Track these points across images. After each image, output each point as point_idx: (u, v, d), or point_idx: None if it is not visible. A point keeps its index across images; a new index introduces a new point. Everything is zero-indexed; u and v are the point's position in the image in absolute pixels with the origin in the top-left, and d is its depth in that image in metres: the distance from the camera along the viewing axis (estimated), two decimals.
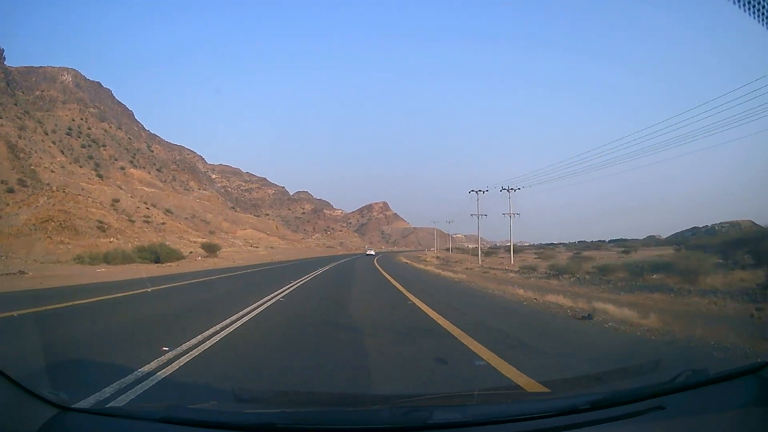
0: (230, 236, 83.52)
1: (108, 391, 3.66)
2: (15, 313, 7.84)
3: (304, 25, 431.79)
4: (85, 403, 3.21)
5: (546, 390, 3.66)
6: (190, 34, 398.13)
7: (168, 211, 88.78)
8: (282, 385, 4.01)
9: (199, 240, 58.37)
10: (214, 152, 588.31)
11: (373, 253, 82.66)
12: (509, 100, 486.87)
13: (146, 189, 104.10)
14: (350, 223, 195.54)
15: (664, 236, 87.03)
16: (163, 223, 68.45)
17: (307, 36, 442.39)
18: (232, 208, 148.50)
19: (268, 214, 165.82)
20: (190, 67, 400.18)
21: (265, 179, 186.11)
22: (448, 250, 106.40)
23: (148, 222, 66.74)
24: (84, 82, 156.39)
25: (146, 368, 4.36)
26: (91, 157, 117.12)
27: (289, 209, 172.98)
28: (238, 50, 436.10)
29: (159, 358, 4.76)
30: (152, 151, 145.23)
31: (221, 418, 1.80)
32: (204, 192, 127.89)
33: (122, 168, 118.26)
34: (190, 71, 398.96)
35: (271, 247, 75.42)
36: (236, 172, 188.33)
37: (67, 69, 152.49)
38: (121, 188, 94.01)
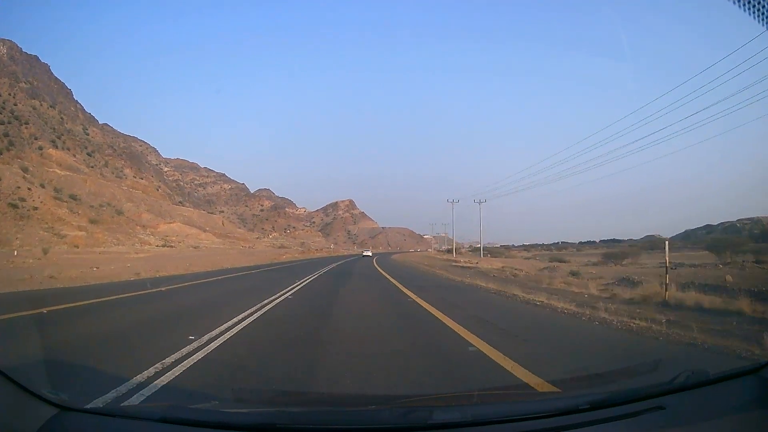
0: (147, 230, 67.74)
1: None
2: None
3: (267, 22, 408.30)
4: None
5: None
6: (166, 25, 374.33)
7: (72, 197, 72.87)
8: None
9: (71, 233, 42.79)
10: (173, 146, 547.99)
11: (370, 254, 74.92)
12: (487, 98, 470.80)
13: (59, 171, 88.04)
14: (314, 222, 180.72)
15: (666, 236, 74.89)
16: (36, 209, 52.37)
17: (270, 32, 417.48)
18: (180, 202, 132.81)
19: (222, 211, 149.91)
20: (159, 61, 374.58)
21: (223, 175, 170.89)
22: (449, 251, 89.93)
23: (14, 206, 50.57)
24: (19, 55, 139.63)
25: None
26: (6, 135, 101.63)
27: (247, 206, 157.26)
28: (209, 46, 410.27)
29: None
30: (87, 134, 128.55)
31: (221, 418, 1.76)
32: (140, 181, 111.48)
33: (41, 148, 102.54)
34: (160, 65, 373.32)
35: (196, 247, 60.04)
36: (193, 167, 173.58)
37: (3, 40, 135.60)
38: (25, 169, 78.38)
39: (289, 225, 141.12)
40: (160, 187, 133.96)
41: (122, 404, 3.30)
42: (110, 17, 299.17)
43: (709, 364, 3.75)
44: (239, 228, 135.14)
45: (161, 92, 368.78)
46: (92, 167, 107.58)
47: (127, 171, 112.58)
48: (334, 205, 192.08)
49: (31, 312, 7.48)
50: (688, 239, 70.46)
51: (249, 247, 76.41)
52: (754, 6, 2.07)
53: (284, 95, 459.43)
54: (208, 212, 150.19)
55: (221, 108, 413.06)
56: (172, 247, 54.89)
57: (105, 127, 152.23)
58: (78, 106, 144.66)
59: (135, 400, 3.43)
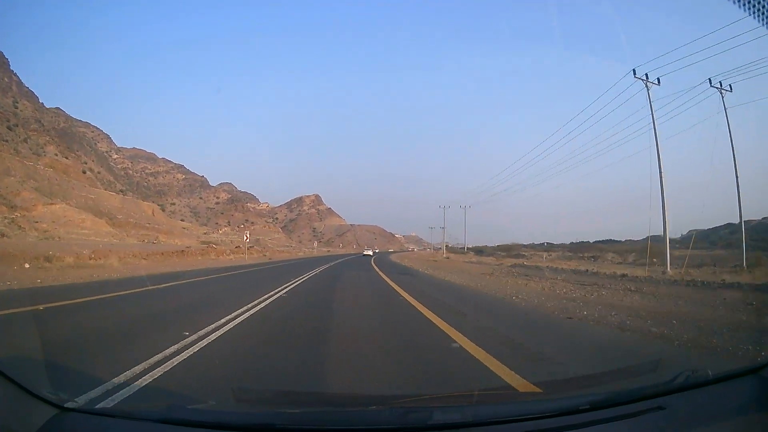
0: (13, 211, 52.60)
1: None
2: None
3: (242, 19, 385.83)
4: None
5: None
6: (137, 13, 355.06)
7: None
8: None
9: None
10: (134, 137, 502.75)
11: (371, 253, 67.46)
12: (470, 97, 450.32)
13: None
14: (277, 218, 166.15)
15: (674, 236, 60.50)
16: None
17: (239, 28, 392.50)
18: (122, 191, 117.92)
19: (174, 203, 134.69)
20: (132, 51, 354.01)
21: (182, 166, 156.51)
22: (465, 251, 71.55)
23: None
24: None
25: None
26: None
27: (201, 198, 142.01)
28: (181, 36, 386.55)
29: None
30: (16, 108, 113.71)
31: (220, 419, 1.77)
32: (63, 160, 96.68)
33: None
34: (132, 55, 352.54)
35: (46, 239, 44.92)
36: (150, 157, 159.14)
37: None
38: None
39: (246, 219, 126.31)
40: (98, 171, 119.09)
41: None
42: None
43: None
44: (186, 221, 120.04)
45: (130, 82, 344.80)
46: (6, 141, 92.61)
47: (49, 148, 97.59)
48: (299, 201, 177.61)
49: None
50: (708, 240, 56.43)
51: (152, 242, 61.11)
52: (754, 6, 2.06)
53: (252, 89, 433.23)
54: (159, 204, 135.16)
55: (188, 101, 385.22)
56: (2, 236, 39.45)
57: (55, 110, 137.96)
58: (14, 77, 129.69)
59: None
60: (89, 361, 4.41)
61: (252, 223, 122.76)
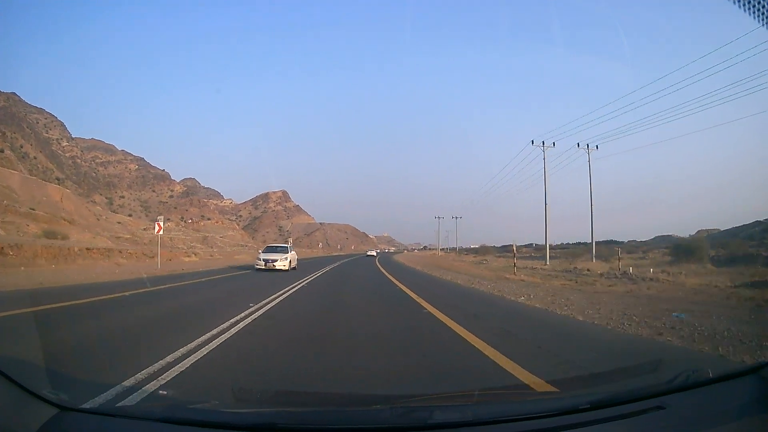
0: None
1: None
2: None
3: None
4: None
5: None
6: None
7: None
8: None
9: None
10: (98, 130, 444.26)
11: (375, 254, 67.00)
12: (455, 96, 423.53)
13: None
14: (240, 215, 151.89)
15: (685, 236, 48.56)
16: None
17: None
18: (59, 179, 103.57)
19: (123, 196, 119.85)
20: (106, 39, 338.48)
21: (141, 159, 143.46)
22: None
23: None
24: None
25: None
26: None
27: (154, 191, 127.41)
28: (175, 34, 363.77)
29: None
30: None
31: (221, 418, 1.76)
32: None
33: None
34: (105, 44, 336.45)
35: None
36: (109, 149, 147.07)
37: None
38: None
39: (203, 215, 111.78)
40: (34, 156, 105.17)
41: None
42: None
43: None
44: (134, 215, 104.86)
45: (98, 71, 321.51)
46: None
47: None
48: (265, 197, 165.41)
49: None
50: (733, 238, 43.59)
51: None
52: (754, 6, 2.05)
53: (225, 85, 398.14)
54: (107, 197, 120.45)
55: (159, 96, 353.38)
56: None
57: (9, 94, 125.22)
58: None
59: None
60: None
61: (208, 218, 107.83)
